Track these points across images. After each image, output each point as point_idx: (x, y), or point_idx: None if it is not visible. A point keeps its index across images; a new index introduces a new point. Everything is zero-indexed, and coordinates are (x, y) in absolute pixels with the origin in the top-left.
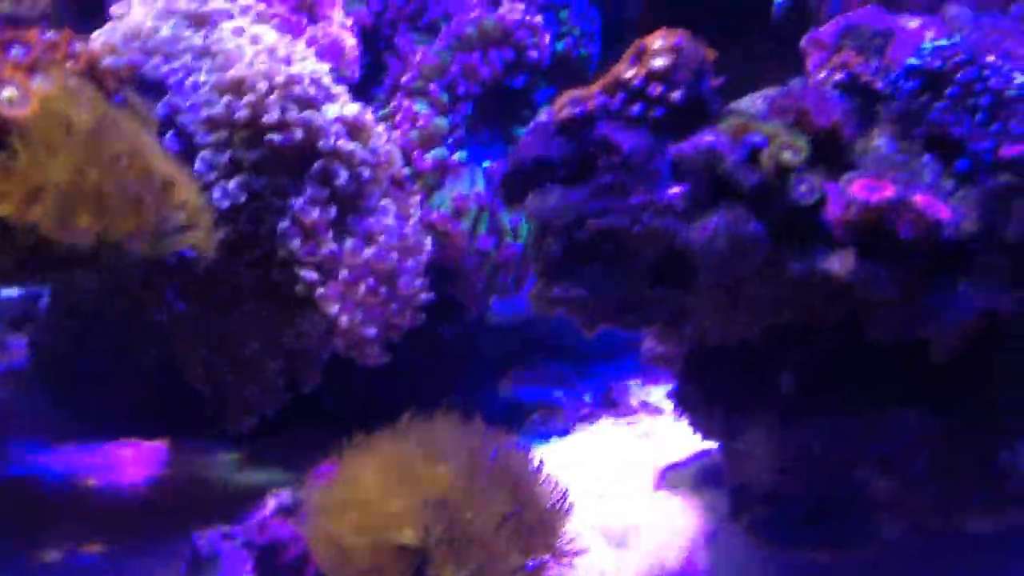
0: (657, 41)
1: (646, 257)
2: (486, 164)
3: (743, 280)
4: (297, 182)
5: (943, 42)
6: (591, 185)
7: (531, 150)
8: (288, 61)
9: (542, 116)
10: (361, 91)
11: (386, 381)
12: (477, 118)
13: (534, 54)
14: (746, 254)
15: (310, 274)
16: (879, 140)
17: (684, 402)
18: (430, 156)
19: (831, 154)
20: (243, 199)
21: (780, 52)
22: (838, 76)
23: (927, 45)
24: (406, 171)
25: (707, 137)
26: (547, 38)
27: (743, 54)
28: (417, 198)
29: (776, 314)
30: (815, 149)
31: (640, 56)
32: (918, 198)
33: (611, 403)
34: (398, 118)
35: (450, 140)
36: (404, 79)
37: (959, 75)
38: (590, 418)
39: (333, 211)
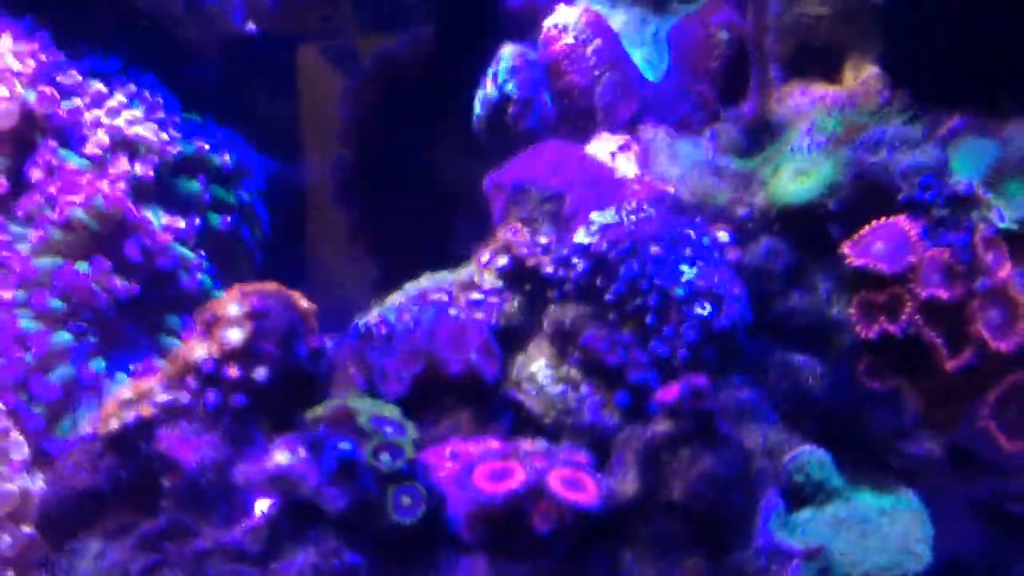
0: (230, 306)
1: None
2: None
3: None
4: None
5: (612, 218)
6: (136, 535)
7: (72, 479)
8: None
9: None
10: None
11: None
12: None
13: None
14: None
15: None
16: (536, 364)
17: None
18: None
19: (472, 401)
20: None
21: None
22: (502, 261)
23: (596, 219)
24: None
25: (278, 456)
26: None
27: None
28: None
29: None
30: (449, 394)
31: (210, 328)
32: (554, 482)
33: None
34: None
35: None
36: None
37: (623, 270)
38: None
39: None
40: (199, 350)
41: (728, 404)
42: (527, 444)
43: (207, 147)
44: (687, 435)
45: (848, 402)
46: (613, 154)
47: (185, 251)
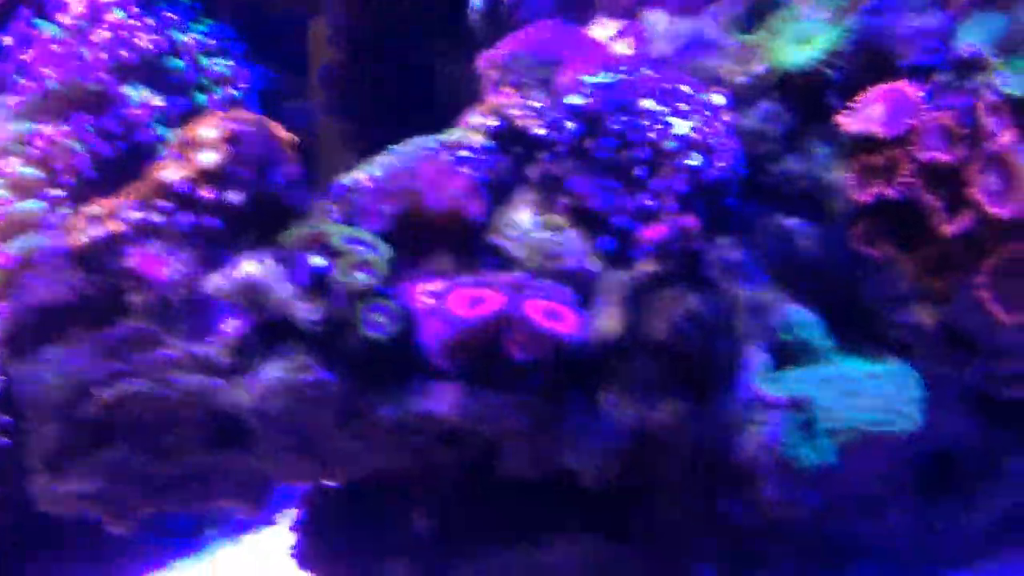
0: (207, 130)
1: (193, 420)
2: None
3: (325, 436)
4: None
5: (605, 78)
6: (98, 340)
7: (39, 292)
8: None
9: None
10: None
11: None
12: None
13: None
14: (314, 409)
15: None
16: (520, 212)
17: (310, 560)
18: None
19: (455, 245)
20: None
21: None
22: (492, 123)
23: (588, 80)
24: None
25: (246, 266)
26: None
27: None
28: None
29: (378, 465)
30: (432, 238)
31: (185, 150)
32: (529, 309)
33: None
34: None
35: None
36: None
37: (613, 124)
38: None
39: None
40: (173, 170)
41: (717, 262)
42: (506, 276)
43: (195, 39)
44: (673, 275)
45: (840, 267)
46: (612, 38)
47: (165, 130)
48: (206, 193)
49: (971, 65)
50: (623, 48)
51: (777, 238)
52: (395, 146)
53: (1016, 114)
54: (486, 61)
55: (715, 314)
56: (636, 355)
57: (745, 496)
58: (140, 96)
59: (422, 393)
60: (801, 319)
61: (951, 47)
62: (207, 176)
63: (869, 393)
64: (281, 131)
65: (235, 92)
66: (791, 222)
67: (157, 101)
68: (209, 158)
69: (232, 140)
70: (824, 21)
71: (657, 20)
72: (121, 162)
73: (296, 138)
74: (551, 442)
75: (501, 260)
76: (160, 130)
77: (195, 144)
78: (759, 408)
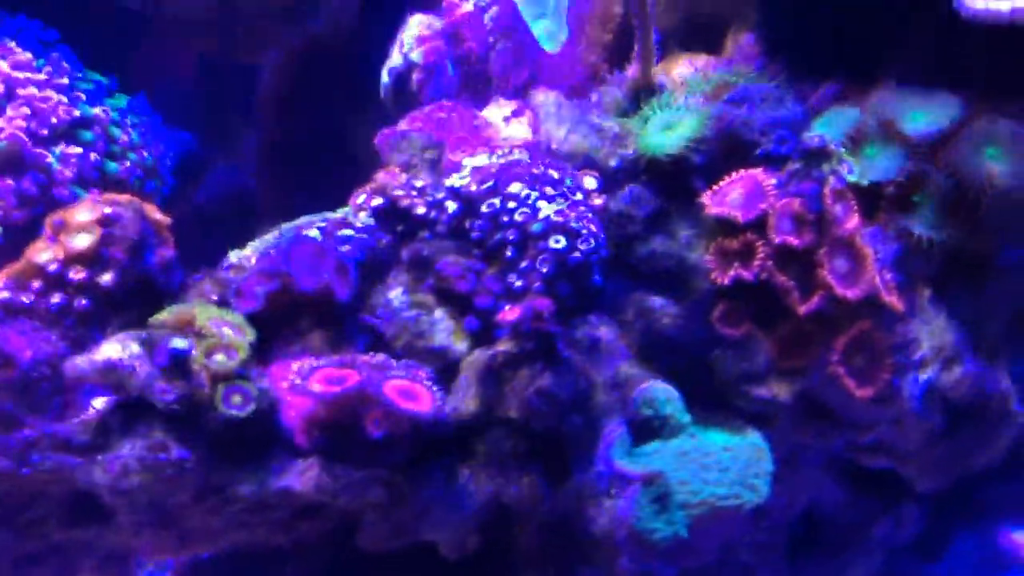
0: (82, 212)
1: (56, 498)
2: None
3: (184, 512)
4: None
5: (483, 162)
6: None
7: None
8: None
9: None
10: None
11: None
12: None
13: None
14: (172, 487)
15: None
16: (392, 291)
17: None
18: None
19: (327, 324)
20: None
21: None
22: (376, 202)
23: (467, 163)
24: None
25: (108, 349)
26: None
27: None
28: None
29: (241, 539)
30: (304, 317)
31: (59, 232)
32: (387, 389)
33: None
34: None
35: None
36: None
37: (486, 208)
38: None
39: None
40: (45, 253)
41: (583, 339)
42: (367, 357)
43: (106, 111)
44: (528, 355)
45: (701, 345)
46: (507, 118)
47: (80, 191)
48: (77, 275)
49: (818, 154)
50: (517, 128)
51: (641, 315)
52: (285, 224)
53: (861, 200)
54: (382, 138)
55: (570, 392)
56: (493, 431)
57: (602, 568)
58: (57, 152)
59: (281, 470)
60: (662, 394)
61: (801, 138)
62: (79, 258)
63: (723, 466)
64: (156, 213)
65: (148, 157)
66: (655, 300)
67: (68, 173)
68: (82, 241)
69: (106, 223)
70: (691, 109)
71: (546, 102)
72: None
73: (169, 220)
74: (410, 516)
75: (372, 338)
76: (76, 189)
77: (69, 227)
78: (615, 482)
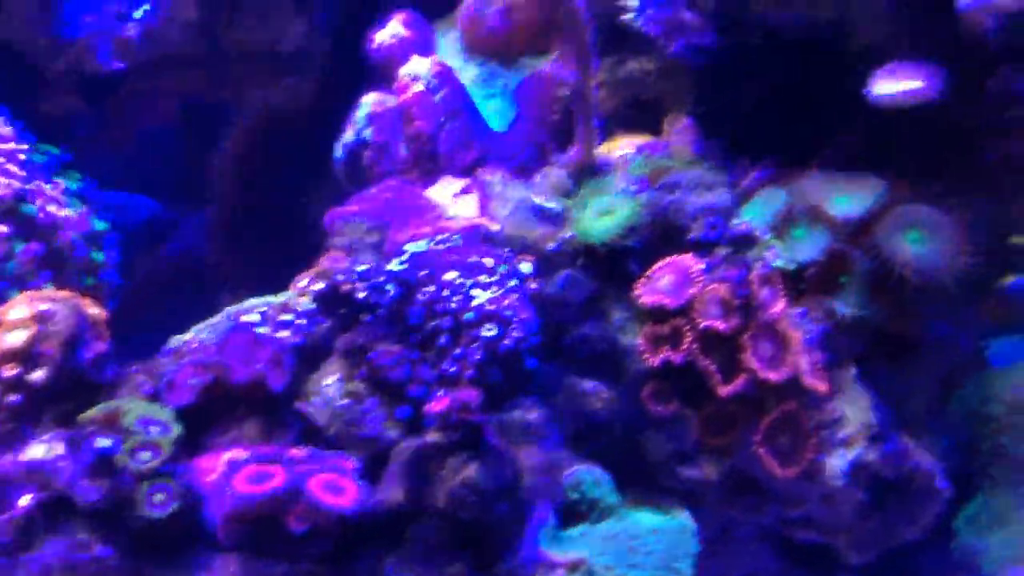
0: (16, 309)
1: None
2: None
3: None
4: None
5: (421, 247)
6: None
7: None
8: None
9: None
10: None
11: None
12: None
13: None
14: None
15: None
16: (327, 379)
17: None
18: None
19: (260, 413)
20: None
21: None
22: (318, 286)
23: (408, 248)
24: None
25: (33, 450)
26: None
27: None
28: None
29: None
30: (238, 407)
31: None
32: (313, 484)
33: None
34: None
35: None
36: None
37: (421, 295)
38: None
39: None
40: None
41: (514, 424)
42: (294, 450)
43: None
44: (454, 446)
45: (631, 426)
46: (456, 195)
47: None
48: (9, 372)
49: (746, 241)
50: (464, 206)
51: (573, 399)
52: (229, 308)
53: (787, 284)
54: (329, 219)
55: (496, 480)
56: (421, 521)
57: None
58: None
59: (204, 567)
60: (590, 477)
61: (729, 225)
62: (13, 355)
63: (648, 550)
64: (92, 308)
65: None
66: (587, 384)
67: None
68: (16, 338)
69: (40, 319)
70: (627, 194)
71: (492, 181)
72: None
73: (106, 314)
74: None
75: (306, 426)
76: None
77: (3, 324)
78: (541, 569)
